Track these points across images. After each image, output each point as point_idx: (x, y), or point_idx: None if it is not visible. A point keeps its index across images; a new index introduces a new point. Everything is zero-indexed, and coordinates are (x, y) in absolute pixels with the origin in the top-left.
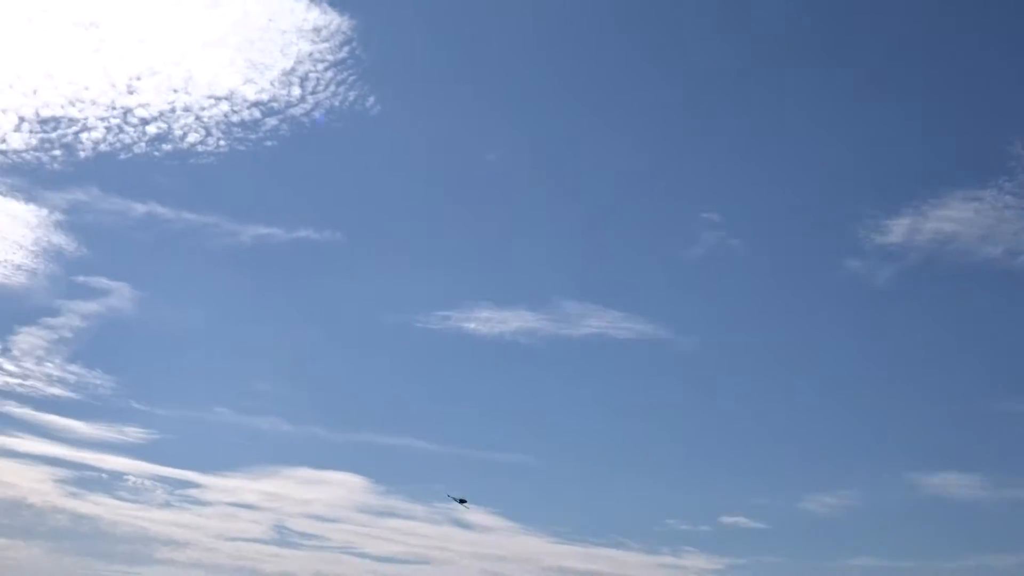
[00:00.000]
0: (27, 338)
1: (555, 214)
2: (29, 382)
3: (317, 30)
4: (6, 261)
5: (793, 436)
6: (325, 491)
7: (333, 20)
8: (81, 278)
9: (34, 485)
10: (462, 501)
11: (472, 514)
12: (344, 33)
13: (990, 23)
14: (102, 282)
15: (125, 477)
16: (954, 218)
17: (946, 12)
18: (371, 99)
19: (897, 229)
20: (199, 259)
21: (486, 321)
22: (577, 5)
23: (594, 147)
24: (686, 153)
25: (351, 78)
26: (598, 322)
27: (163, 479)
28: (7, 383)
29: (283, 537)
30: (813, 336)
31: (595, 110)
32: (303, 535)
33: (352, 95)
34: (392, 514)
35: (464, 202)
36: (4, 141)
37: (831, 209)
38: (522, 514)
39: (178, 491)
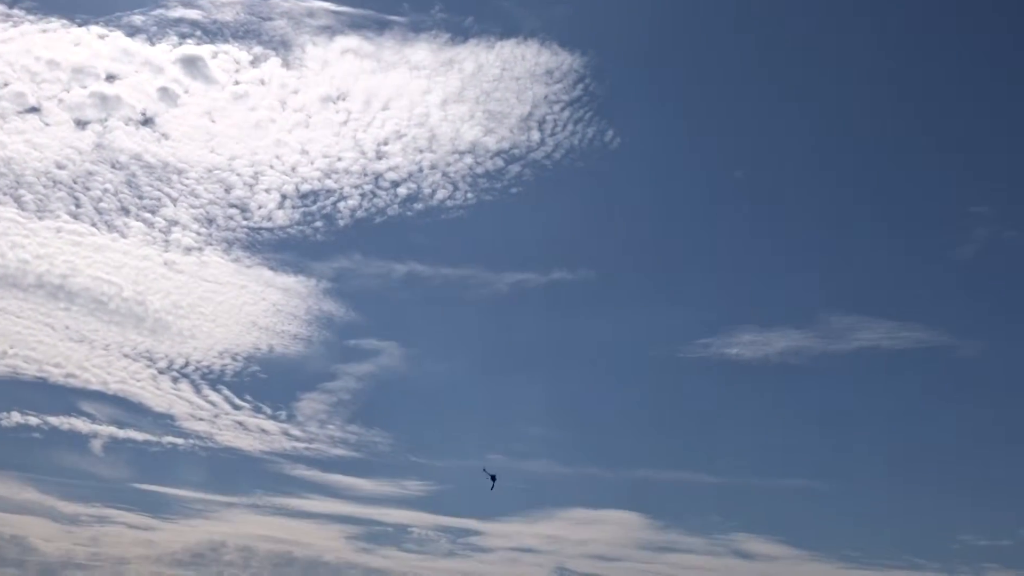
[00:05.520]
0: (309, 403)
1: (810, 225)
2: (315, 445)
3: (550, 72)
4: (284, 332)
5: None
6: (603, 530)
7: (564, 60)
8: (352, 341)
9: (328, 543)
10: (492, 477)
11: (755, 543)
12: (576, 71)
13: None
14: (372, 343)
15: (410, 529)
16: None
17: None
18: (609, 133)
19: None
20: (460, 311)
21: (750, 344)
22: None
23: (842, 149)
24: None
25: (588, 115)
26: (870, 334)
27: (445, 529)
28: (295, 448)
29: None
30: None
31: (841, 113)
32: None
33: (591, 131)
34: (672, 549)
35: (714, 224)
36: (270, 219)
37: None
38: (809, 540)
39: (460, 540)
